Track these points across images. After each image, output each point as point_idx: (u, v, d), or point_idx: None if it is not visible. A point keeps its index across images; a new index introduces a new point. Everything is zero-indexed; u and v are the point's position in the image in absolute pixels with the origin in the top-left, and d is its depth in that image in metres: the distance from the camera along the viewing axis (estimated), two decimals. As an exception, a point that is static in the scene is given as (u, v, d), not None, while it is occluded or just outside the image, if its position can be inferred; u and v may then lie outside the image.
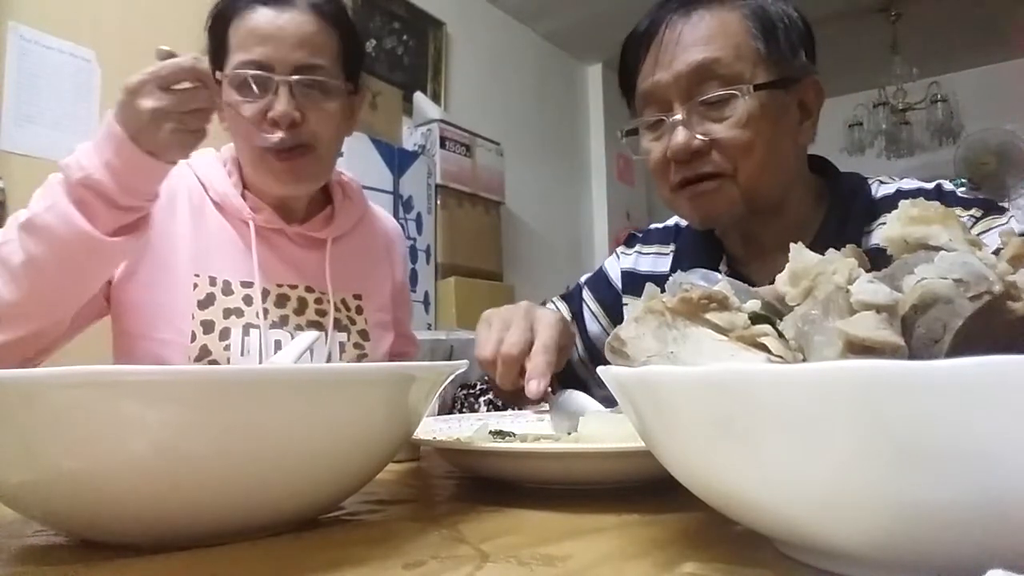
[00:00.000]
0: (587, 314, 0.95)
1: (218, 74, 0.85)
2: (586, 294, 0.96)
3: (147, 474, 0.30)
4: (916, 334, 0.27)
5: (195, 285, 0.88)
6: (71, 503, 0.32)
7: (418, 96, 2.93)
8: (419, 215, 2.63)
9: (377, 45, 2.86)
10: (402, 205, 2.55)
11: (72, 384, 0.29)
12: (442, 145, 2.79)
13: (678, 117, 0.72)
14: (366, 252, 1.05)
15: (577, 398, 0.65)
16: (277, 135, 0.84)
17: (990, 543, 0.22)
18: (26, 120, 1.75)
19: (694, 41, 0.72)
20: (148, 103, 0.72)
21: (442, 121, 2.84)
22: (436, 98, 3.04)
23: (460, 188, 2.86)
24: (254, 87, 0.84)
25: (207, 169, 0.94)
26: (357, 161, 2.37)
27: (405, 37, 2.98)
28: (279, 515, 0.36)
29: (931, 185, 0.77)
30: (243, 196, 0.93)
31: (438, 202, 2.74)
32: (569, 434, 0.58)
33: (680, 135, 0.72)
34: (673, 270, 0.88)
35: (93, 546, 0.35)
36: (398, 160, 2.55)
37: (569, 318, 0.94)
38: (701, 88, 0.72)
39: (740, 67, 0.71)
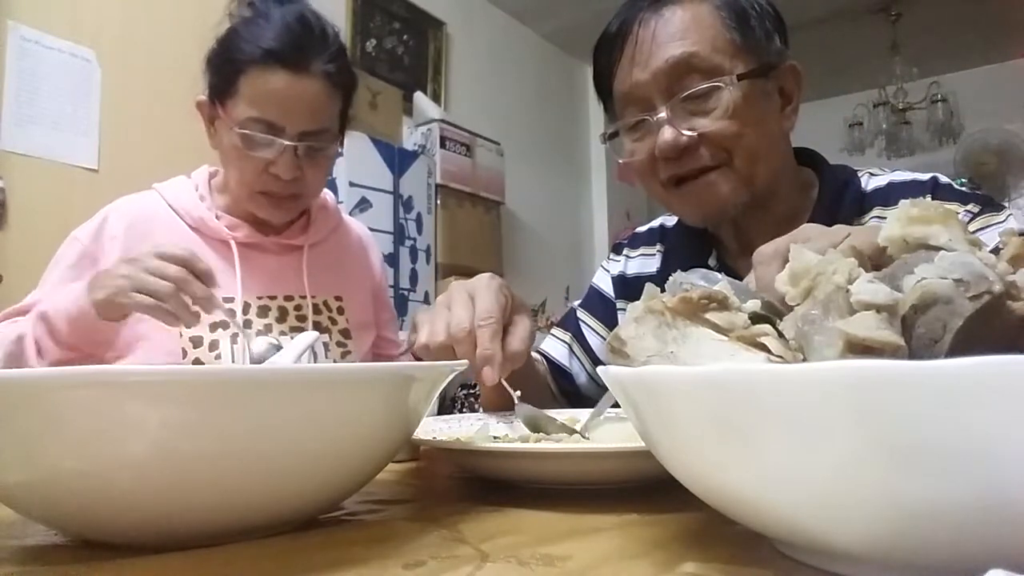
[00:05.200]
0: (587, 331, 0.93)
1: (220, 111, 0.90)
2: (581, 314, 0.95)
3: (147, 474, 0.30)
4: (916, 334, 0.27)
5: None
6: (71, 503, 0.32)
7: (418, 96, 2.93)
8: (419, 215, 2.63)
9: (377, 45, 2.86)
10: (402, 205, 2.55)
11: (72, 384, 0.29)
12: (442, 145, 2.79)
13: (663, 115, 0.71)
14: (344, 255, 1.08)
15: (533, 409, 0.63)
16: (275, 186, 0.91)
17: (990, 543, 0.22)
18: (26, 120, 1.75)
19: (669, 37, 0.72)
20: (125, 270, 0.76)
21: (442, 121, 2.84)
22: (436, 98, 3.04)
23: (460, 188, 2.86)
24: (261, 143, 0.88)
25: (178, 198, 0.98)
26: (357, 161, 2.37)
27: (405, 37, 2.98)
28: (279, 515, 0.36)
29: (926, 177, 0.76)
30: (217, 217, 0.97)
31: (438, 202, 2.74)
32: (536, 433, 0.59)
33: (667, 133, 0.71)
34: (662, 269, 0.88)
35: (93, 546, 0.35)
36: (398, 160, 2.55)
37: (568, 339, 0.94)
38: (682, 83, 0.71)
39: (719, 59, 0.71)
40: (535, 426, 0.61)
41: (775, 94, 0.75)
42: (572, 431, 0.58)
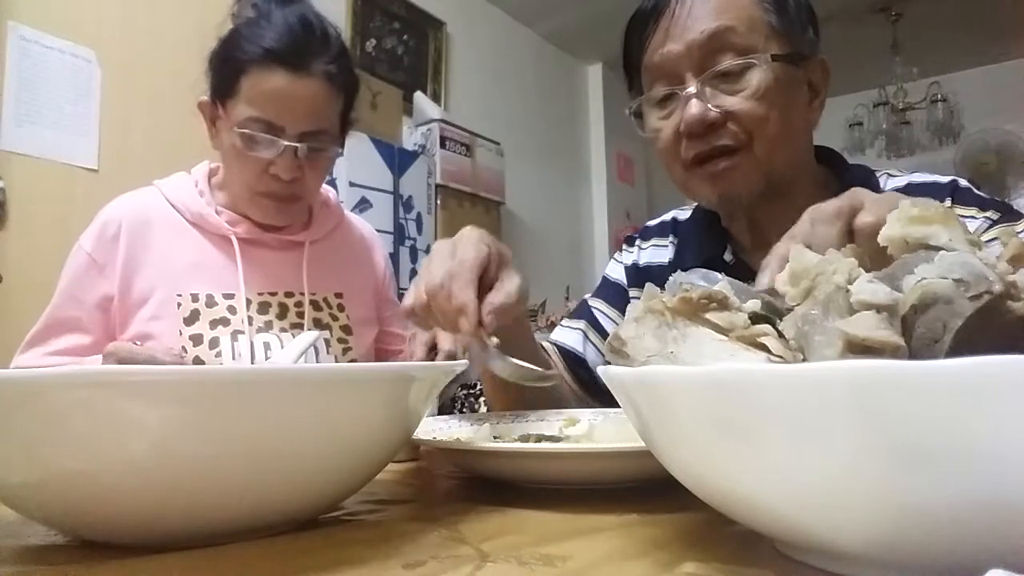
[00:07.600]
0: (601, 317, 0.92)
1: (221, 112, 0.90)
2: (594, 302, 0.94)
3: (147, 474, 0.30)
4: (916, 334, 0.27)
5: (178, 304, 0.91)
6: (71, 503, 0.32)
7: (418, 96, 2.93)
8: (419, 215, 2.63)
9: (377, 45, 2.86)
10: (402, 205, 2.55)
11: (72, 384, 0.29)
12: (442, 145, 2.79)
13: (691, 89, 0.70)
14: (345, 252, 1.08)
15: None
16: (275, 186, 0.91)
17: (990, 543, 0.22)
18: (26, 120, 1.75)
19: (706, 12, 0.71)
20: None
21: (442, 121, 2.84)
22: (436, 98, 3.04)
23: (460, 188, 2.86)
24: (261, 143, 0.88)
25: (178, 193, 0.98)
26: (357, 161, 2.37)
27: (405, 37, 2.98)
28: (279, 515, 0.36)
29: (946, 180, 0.74)
30: (217, 212, 0.97)
31: (438, 202, 2.74)
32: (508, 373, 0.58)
33: (695, 107, 0.70)
34: (674, 260, 0.87)
35: (93, 546, 0.35)
36: (398, 160, 2.55)
37: (582, 327, 0.92)
38: (715, 58, 0.70)
39: (754, 38, 0.70)
40: (518, 376, 0.59)
41: (804, 85, 0.74)
42: (549, 379, 0.59)
